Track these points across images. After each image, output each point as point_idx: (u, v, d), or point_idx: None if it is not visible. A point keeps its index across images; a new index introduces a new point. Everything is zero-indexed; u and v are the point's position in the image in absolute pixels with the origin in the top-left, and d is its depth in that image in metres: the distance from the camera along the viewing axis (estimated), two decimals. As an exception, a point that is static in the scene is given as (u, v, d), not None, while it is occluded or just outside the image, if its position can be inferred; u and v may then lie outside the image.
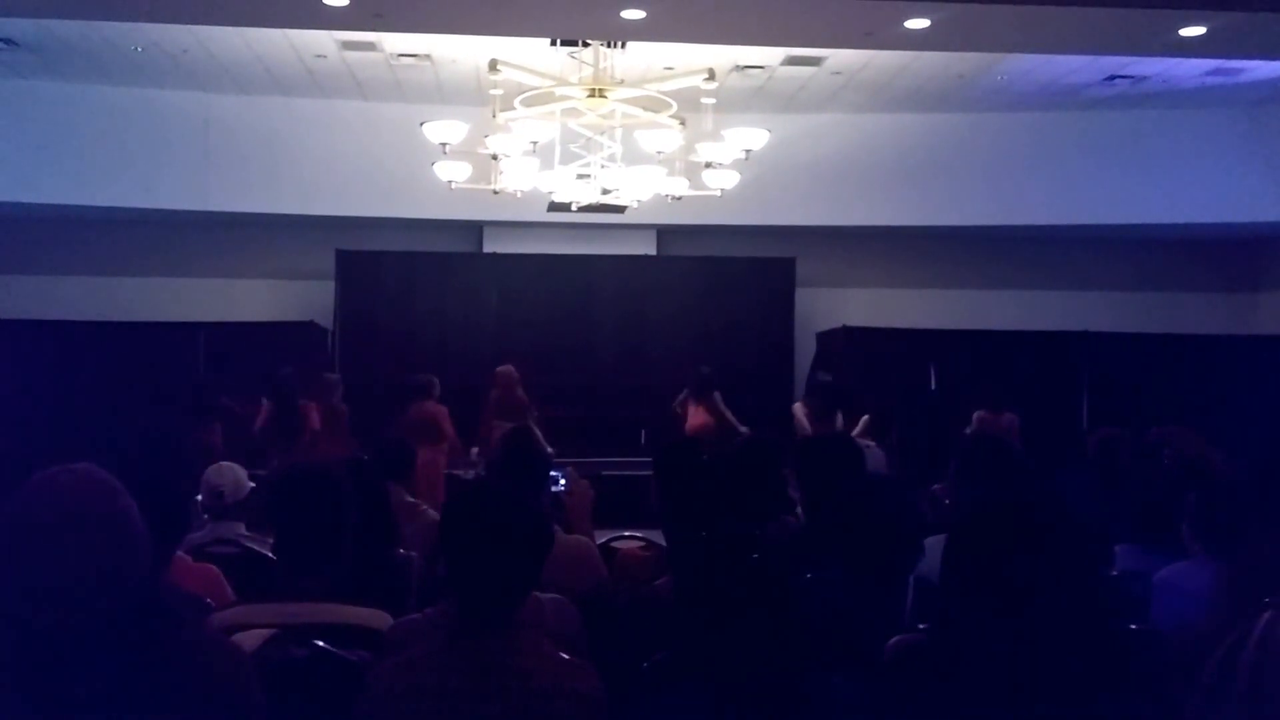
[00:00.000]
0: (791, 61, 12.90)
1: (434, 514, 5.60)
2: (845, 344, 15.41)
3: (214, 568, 4.67)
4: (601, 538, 5.43)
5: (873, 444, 6.11)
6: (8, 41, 12.46)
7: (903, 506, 4.00)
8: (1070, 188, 15.21)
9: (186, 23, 11.13)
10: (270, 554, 3.95)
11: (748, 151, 11.32)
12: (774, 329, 15.66)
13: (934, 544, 3.72)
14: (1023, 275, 16.81)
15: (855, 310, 16.04)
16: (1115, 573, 4.21)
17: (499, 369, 13.18)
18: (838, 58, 12.74)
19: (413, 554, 4.87)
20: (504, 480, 4.48)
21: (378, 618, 3.51)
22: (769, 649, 2.87)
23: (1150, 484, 4.94)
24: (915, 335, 15.59)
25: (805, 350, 16.06)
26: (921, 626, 3.31)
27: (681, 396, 13.42)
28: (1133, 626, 3.64)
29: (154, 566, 2.57)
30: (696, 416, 13.11)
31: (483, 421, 12.85)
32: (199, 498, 5.53)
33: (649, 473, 5.00)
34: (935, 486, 6.43)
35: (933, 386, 15.13)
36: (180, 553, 4.56)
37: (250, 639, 3.18)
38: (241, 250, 16.04)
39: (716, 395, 13.19)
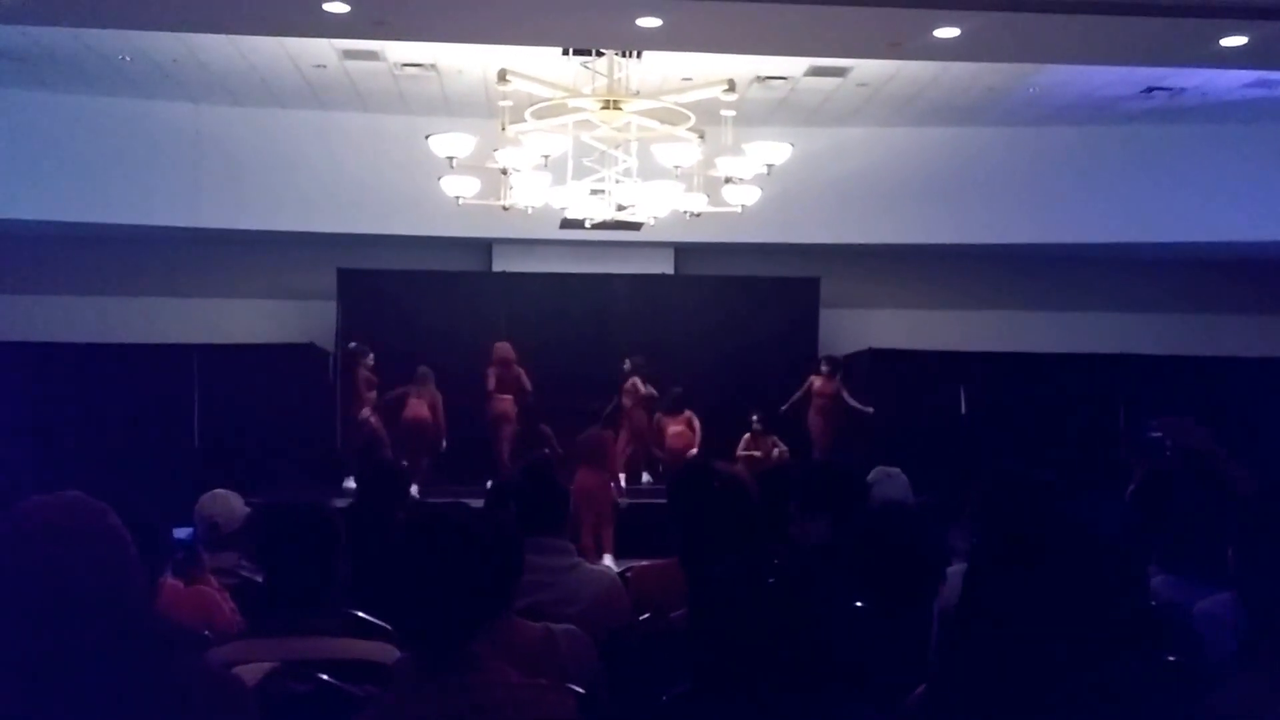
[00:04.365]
0: (815, 72, 12.93)
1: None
2: (871, 367, 15.41)
3: (208, 589, 4.69)
4: (619, 567, 5.45)
5: (896, 470, 6.10)
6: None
7: (924, 535, 4.03)
8: (1105, 205, 15.21)
9: (177, 30, 11.16)
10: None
11: (770, 166, 11.34)
12: (798, 351, 15.63)
13: (956, 573, 3.74)
14: (1056, 296, 16.81)
15: (882, 332, 16.05)
16: (1153, 603, 4.22)
17: (496, 344, 14.22)
18: (863, 69, 12.77)
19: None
20: (519, 515, 4.51)
21: (382, 651, 3.53)
22: (788, 681, 2.89)
23: (1155, 486, 4.94)
24: (944, 358, 15.57)
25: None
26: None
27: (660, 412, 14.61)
28: (1170, 659, 3.64)
29: (147, 593, 2.61)
30: (678, 438, 14.28)
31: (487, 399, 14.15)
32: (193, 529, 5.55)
33: (664, 501, 5.03)
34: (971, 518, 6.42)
35: (963, 411, 15.13)
36: (170, 579, 4.59)
37: (252, 673, 3.21)
38: (237, 269, 16.08)
39: (690, 413, 14.42)
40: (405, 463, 12.73)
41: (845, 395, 14.70)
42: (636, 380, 14.42)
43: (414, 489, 12.61)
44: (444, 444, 14.11)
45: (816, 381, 14.76)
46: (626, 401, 14.25)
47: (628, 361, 14.51)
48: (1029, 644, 2.67)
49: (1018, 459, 10.85)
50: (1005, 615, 2.73)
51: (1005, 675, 2.68)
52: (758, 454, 13.87)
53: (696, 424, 14.32)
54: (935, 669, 3.24)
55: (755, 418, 14.32)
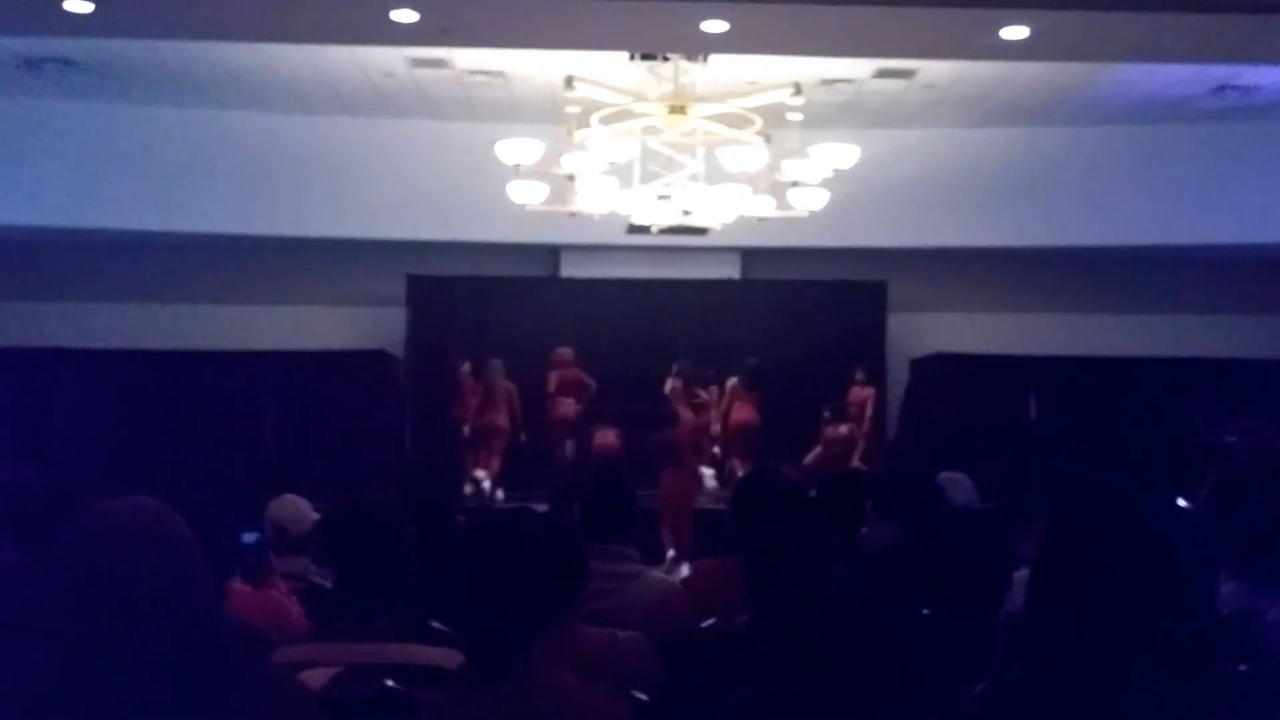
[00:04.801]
0: (882, 75, 12.86)
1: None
2: (940, 371, 15.31)
3: (278, 594, 4.74)
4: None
5: (962, 475, 6.07)
6: (65, 62, 12.64)
7: (990, 540, 4.01)
8: (1177, 206, 14.97)
9: (248, 41, 11.30)
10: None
11: (837, 170, 11.29)
12: (865, 356, 15.53)
13: (1022, 579, 3.71)
14: (1128, 298, 16.57)
15: (951, 336, 15.92)
16: (1224, 612, 4.15)
17: (558, 349, 14.28)
18: (930, 70, 12.69)
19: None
20: (585, 520, 4.51)
21: (448, 656, 3.54)
22: (851, 687, 2.88)
23: (1230, 490, 4.87)
24: (1014, 362, 15.44)
25: (898, 378, 16.00)
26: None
27: (719, 389, 14.38)
28: (1242, 668, 3.59)
29: (214, 597, 2.64)
30: (743, 411, 14.04)
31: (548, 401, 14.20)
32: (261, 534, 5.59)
33: (724, 507, 5.02)
34: (1040, 525, 6.38)
35: (1032, 416, 15.00)
36: (239, 583, 4.64)
37: (317, 677, 3.23)
38: (307, 276, 16.18)
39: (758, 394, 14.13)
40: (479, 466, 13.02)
41: (870, 404, 14.65)
42: (672, 383, 14.32)
43: (487, 487, 13.16)
44: (521, 436, 14.16)
45: (852, 390, 14.74)
46: (674, 405, 14.18)
47: (675, 366, 14.48)
48: (1095, 651, 2.64)
49: (1086, 464, 10.77)
50: (1071, 622, 2.71)
51: (1070, 682, 2.67)
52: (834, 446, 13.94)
53: (758, 409, 14.14)
54: (998, 674, 3.23)
55: (827, 413, 14.30)
